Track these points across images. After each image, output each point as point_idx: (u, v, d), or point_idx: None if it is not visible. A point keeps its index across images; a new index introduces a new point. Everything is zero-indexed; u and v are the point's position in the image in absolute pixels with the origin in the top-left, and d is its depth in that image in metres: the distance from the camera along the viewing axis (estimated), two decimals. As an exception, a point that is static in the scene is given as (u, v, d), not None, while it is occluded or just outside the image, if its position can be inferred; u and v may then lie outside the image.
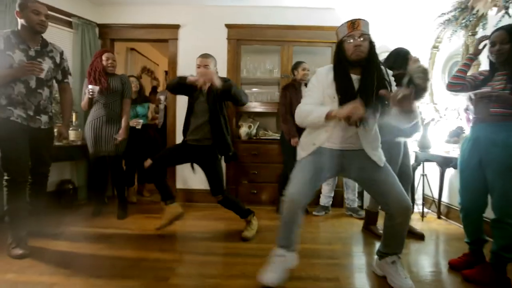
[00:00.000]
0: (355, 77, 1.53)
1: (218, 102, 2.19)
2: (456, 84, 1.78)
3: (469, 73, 1.79)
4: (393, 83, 1.56)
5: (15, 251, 1.85)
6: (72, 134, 2.88)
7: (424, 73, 2.07)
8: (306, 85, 2.86)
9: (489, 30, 2.31)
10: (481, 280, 1.67)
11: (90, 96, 2.50)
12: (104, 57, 2.65)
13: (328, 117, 1.44)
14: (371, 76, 1.46)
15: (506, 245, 1.62)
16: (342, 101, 1.46)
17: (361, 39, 1.48)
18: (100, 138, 2.64)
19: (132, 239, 2.29)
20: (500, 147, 1.58)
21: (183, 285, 1.65)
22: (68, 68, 2.17)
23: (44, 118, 1.99)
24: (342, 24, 1.55)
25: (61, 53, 2.09)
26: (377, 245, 2.26)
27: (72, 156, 3.00)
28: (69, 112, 2.22)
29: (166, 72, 4.41)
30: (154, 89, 4.51)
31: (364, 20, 1.52)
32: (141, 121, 3.19)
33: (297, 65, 2.91)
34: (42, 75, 1.90)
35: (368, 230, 2.52)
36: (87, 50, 3.21)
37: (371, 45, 1.52)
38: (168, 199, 2.28)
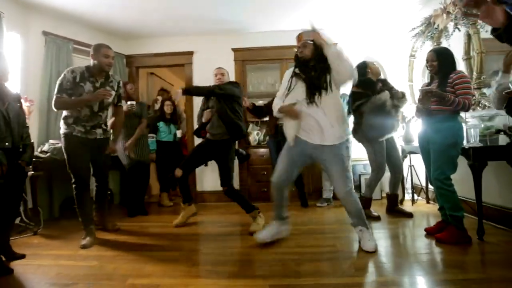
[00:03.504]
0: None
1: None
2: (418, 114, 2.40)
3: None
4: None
5: (83, 241, 2.26)
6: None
7: (396, 96, 2.76)
8: None
9: (451, 41, 2.85)
10: (449, 239, 2.11)
11: (130, 108, 3.01)
12: (128, 86, 3.31)
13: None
14: (311, 70, 2.01)
15: (452, 205, 2.10)
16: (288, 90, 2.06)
17: (303, 46, 2.02)
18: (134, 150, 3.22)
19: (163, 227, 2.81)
20: (439, 132, 2.12)
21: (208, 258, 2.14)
22: (123, 94, 2.66)
23: (98, 131, 2.38)
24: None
25: (118, 83, 2.49)
26: (373, 225, 2.72)
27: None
28: (119, 130, 2.66)
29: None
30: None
31: (305, 31, 2.02)
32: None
33: None
34: (110, 100, 2.35)
35: (394, 211, 2.98)
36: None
37: (315, 47, 1.99)
38: (188, 201, 2.79)
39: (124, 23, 3.61)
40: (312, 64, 2.00)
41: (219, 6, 3.30)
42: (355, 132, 2.91)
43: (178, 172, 2.62)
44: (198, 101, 4.00)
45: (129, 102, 3.04)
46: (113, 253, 2.12)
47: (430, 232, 2.32)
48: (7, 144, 1.91)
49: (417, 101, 2.41)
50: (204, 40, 4.04)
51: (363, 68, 2.83)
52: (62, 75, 2.26)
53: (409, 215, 2.86)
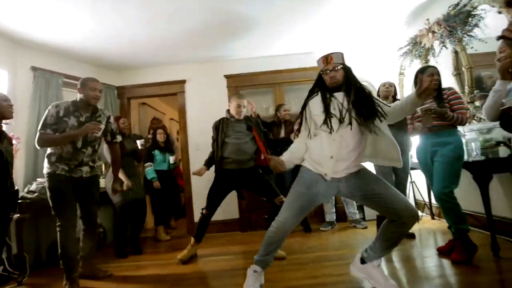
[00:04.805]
0: (339, 94, 1.73)
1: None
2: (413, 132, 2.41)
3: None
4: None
5: None
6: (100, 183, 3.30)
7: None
8: (285, 122, 3.44)
9: (438, 58, 2.94)
10: (463, 259, 2.02)
11: (142, 147, 3.19)
12: (121, 121, 3.22)
13: None
14: (352, 93, 1.69)
15: (458, 219, 2.06)
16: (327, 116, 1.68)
17: (335, 70, 1.71)
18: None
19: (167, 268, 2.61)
20: (444, 145, 2.12)
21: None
22: (116, 130, 2.46)
23: (85, 168, 2.23)
24: (319, 59, 1.80)
25: (108, 118, 2.37)
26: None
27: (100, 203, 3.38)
28: (117, 169, 2.51)
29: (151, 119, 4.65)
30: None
31: (336, 53, 1.76)
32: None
33: (279, 107, 3.51)
34: (98, 134, 2.20)
35: None
36: (109, 109, 3.77)
37: (346, 71, 1.74)
38: (199, 240, 2.69)
39: (114, 55, 3.60)
40: (347, 89, 1.74)
41: (209, 34, 3.33)
42: None
43: (207, 212, 2.64)
44: (192, 130, 3.95)
45: (138, 141, 3.16)
46: (109, 301, 1.93)
47: (442, 252, 2.24)
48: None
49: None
50: (196, 68, 4.05)
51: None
52: (47, 110, 2.17)
53: (412, 236, 2.76)
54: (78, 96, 2.24)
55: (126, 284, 2.25)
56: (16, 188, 2.13)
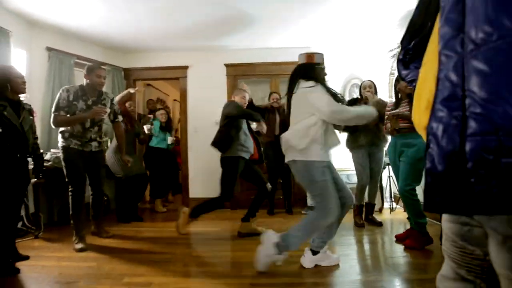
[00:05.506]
0: None
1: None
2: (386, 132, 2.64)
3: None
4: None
5: (77, 245, 2.44)
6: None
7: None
8: (279, 109, 3.72)
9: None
10: (415, 245, 2.35)
11: (148, 133, 3.54)
12: (127, 104, 3.51)
13: None
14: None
15: (416, 212, 2.35)
16: None
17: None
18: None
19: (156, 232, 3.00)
20: (410, 146, 2.37)
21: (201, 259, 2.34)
22: (118, 110, 2.78)
23: (94, 143, 2.57)
24: (321, 54, 2.04)
25: (111, 100, 2.69)
26: (355, 232, 2.92)
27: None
28: (122, 143, 2.88)
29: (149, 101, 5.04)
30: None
31: (317, 54, 2.04)
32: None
33: (269, 95, 3.81)
34: (104, 117, 2.55)
35: (369, 220, 3.16)
36: (116, 90, 4.06)
37: None
38: (195, 217, 2.78)
39: (121, 39, 3.84)
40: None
41: (210, 26, 3.54)
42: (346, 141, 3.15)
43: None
44: (192, 113, 4.24)
45: (145, 126, 3.51)
46: (110, 255, 2.31)
47: (399, 239, 2.56)
48: (18, 155, 2.11)
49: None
50: (198, 56, 4.27)
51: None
52: (58, 94, 2.45)
53: (379, 224, 3.08)
54: (85, 81, 2.53)
55: (126, 241, 2.66)
56: (41, 151, 2.47)
